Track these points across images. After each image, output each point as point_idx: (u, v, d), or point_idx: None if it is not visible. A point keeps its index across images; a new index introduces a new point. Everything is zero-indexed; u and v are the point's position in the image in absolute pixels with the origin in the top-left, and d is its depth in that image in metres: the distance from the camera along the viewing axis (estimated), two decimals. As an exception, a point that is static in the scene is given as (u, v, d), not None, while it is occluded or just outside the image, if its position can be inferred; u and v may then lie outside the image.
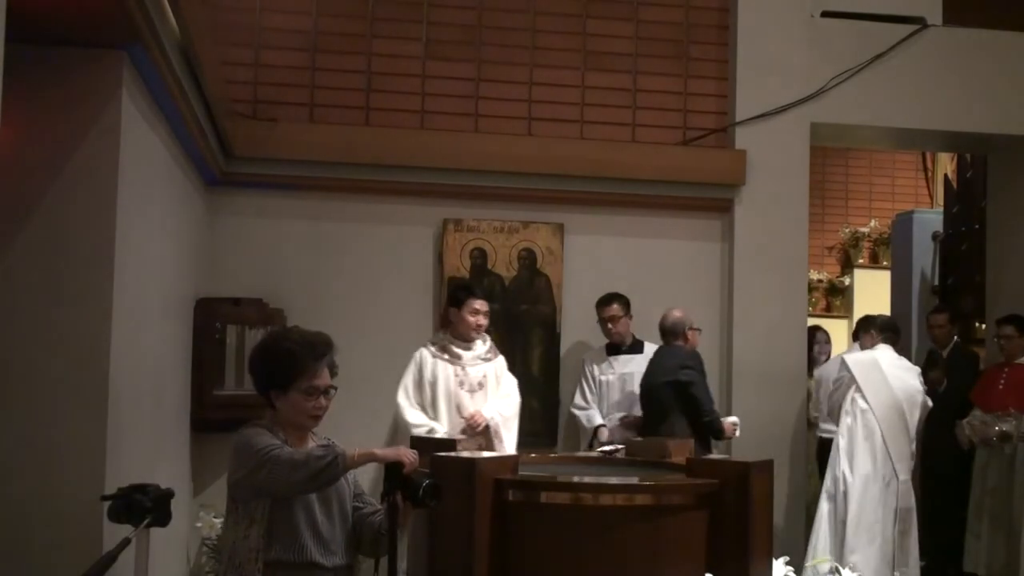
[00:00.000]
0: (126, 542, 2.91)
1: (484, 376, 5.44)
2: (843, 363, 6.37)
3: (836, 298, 12.64)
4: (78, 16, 3.40)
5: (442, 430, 5.25)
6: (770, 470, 4.18)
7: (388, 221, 6.60)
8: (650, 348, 6.18)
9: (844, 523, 6.06)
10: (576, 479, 4.28)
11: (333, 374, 3.29)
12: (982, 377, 7.15)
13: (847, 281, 12.66)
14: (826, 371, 7.20)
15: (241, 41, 6.43)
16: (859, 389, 6.17)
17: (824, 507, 6.15)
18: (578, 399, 6.27)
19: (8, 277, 3.61)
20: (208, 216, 6.32)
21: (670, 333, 6.18)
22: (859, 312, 12.33)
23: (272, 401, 3.23)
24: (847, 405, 6.18)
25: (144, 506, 3.09)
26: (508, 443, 5.43)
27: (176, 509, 3.28)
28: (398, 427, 5.44)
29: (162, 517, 3.16)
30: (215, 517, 5.80)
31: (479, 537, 3.88)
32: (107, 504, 3.16)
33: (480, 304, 5.46)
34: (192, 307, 5.89)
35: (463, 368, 5.39)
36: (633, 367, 6.16)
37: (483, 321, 5.46)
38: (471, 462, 3.98)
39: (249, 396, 5.96)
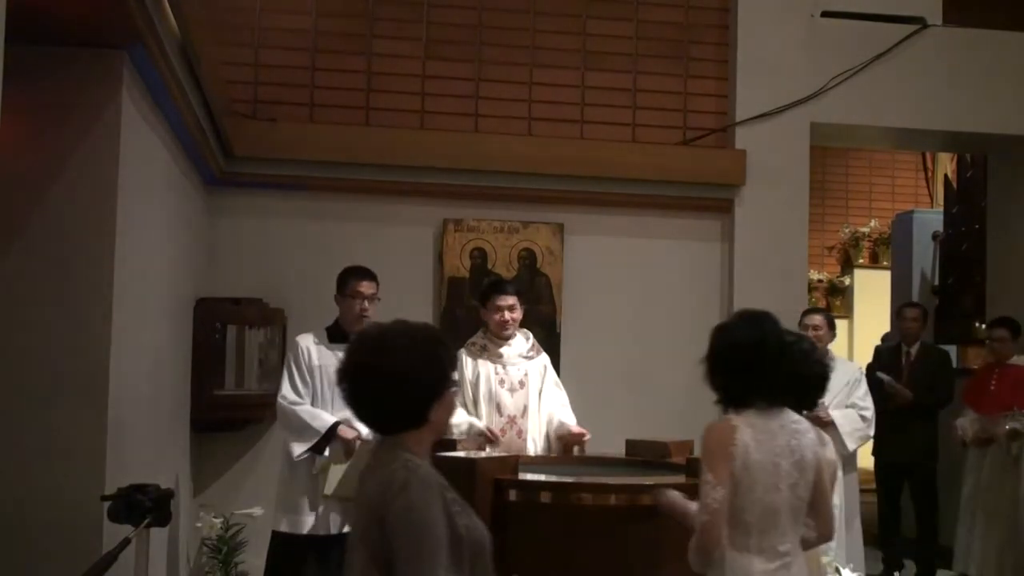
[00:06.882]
0: (126, 542, 2.91)
1: (525, 374, 5.33)
2: None
3: (836, 298, 12.65)
4: (78, 16, 3.40)
5: (481, 424, 5.19)
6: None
7: (388, 221, 6.59)
8: None
9: None
10: (576, 479, 4.28)
11: None
12: (973, 377, 7.15)
13: (847, 281, 12.68)
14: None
15: (241, 41, 6.43)
16: None
17: None
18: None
19: (8, 277, 3.61)
20: (208, 216, 6.32)
21: None
22: (859, 312, 12.39)
23: (428, 416, 2.57)
24: None
25: (144, 506, 3.09)
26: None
27: (176, 509, 3.27)
28: None
29: (162, 517, 3.16)
30: (215, 517, 5.80)
31: (479, 537, 3.88)
32: (107, 504, 3.16)
33: (504, 300, 5.27)
34: (192, 307, 5.89)
35: (504, 367, 5.32)
36: None
37: (508, 316, 5.26)
38: (471, 462, 3.99)
39: (249, 396, 6.05)
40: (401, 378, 2.52)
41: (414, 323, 2.66)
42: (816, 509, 3.15)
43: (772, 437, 3.04)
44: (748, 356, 3.09)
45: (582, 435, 5.17)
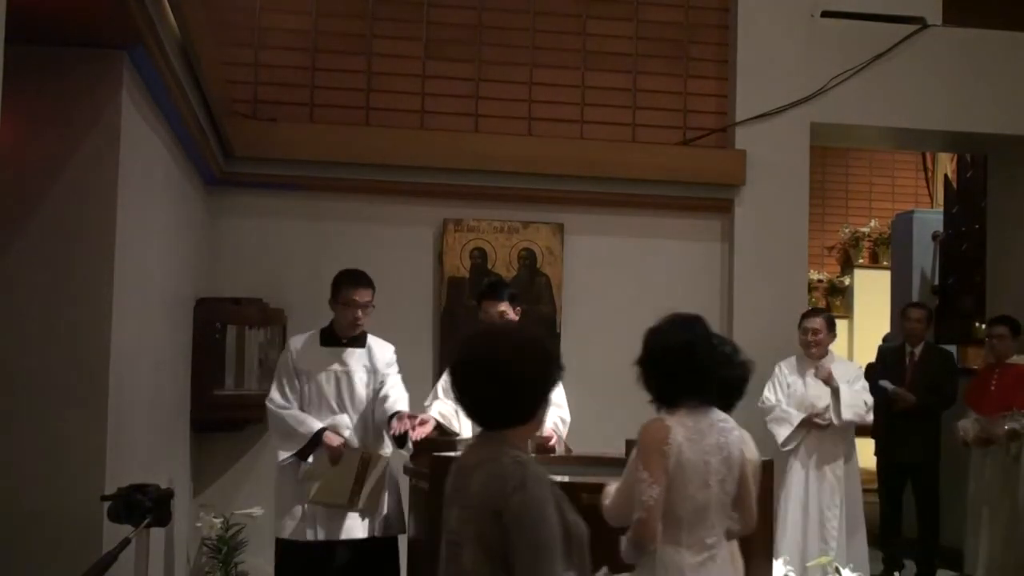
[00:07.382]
0: (126, 542, 2.91)
1: None
2: None
3: (836, 298, 12.65)
4: (78, 16, 3.41)
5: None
6: (770, 470, 4.18)
7: (388, 221, 6.59)
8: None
9: None
10: (576, 479, 4.27)
11: None
12: (974, 378, 7.15)
13: (847, 281, 12.67)
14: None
15: (241, 41, 6.43)
16: None
17: None
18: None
19: (9, 277, 3.61)
20: (208, 216, 6.32)
21: None
22: (859, 312, 12.39)
23: (537, 413, 2.66)
24: None
25: (144, 506, 3.09)
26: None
27: (176, 509, 3.27)
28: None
29: (162, 517, 3.16)
30: (215, 517, 5.80)
31: (479, 537, 3.87)
32: (107, 504, 3.17)
33: (494, 307, 5.17)
34: (192, 307, 5.89)
35: None
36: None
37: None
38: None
39: (249, 396, 6.04)
40: (521, 377, 2.58)
41: (518, 323, 2.67)
42: (741, 503, 3.28)
43: (703, 436, 3.19)
44: (680, 357, 3.26)
45: (547, 440, 5.10)
